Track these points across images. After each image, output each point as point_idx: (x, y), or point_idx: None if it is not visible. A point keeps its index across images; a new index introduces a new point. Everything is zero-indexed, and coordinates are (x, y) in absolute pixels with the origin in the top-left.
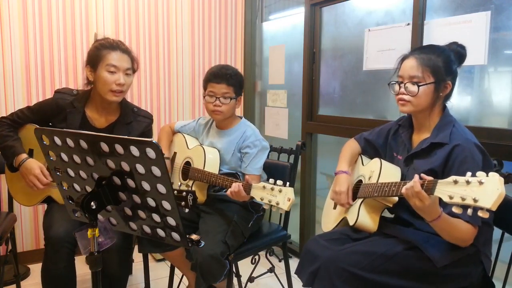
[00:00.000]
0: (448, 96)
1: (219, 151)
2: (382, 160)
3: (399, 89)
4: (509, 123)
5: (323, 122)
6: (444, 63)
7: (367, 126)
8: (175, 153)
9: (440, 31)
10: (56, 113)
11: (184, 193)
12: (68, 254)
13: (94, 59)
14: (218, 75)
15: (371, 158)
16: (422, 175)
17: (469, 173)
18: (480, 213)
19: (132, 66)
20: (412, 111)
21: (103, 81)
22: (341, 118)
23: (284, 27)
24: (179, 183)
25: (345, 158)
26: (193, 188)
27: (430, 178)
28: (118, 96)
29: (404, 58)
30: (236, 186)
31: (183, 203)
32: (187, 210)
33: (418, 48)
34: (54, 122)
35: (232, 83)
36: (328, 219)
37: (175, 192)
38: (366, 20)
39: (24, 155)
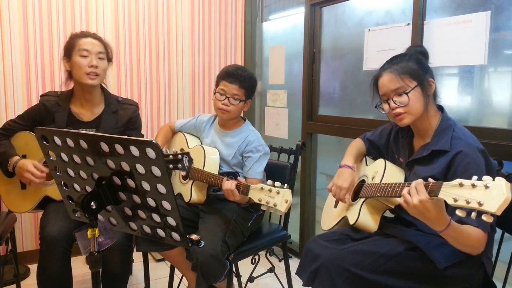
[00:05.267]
0: (436, 95)
1: (219, 151)
2: (386, 161)
3: (389, 106)
4: (509, 123)
5: (323, 122)
6: (417, 63)
7: (367, 126)
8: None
9: (440, 31)
10: (45, 115)
11: (179, 155)
12: (63, 253)
13: (68, 48)
14: (233, 75)
15: (375, 159)
16: (429, 179)
17: (475, 177)
18: (484, 217)
19: (106, 52)
20: (412, 121)
21: (77, 66)
22: (341, 118)
23: (284, 27)
24: (173, 150)
25: (351, 154)
26: (193, 188)
27: (434, 181)
28: (94, 79)
29: (376, 79)
30: (228, 184)
31: (179, 165)
32: (184, 173)
33: (384, 64)
34: (46, 124)
35: (245, 86)
36: (328, 217)
37: (170, 156)
38: (366, 20)
39: (17, 157)
